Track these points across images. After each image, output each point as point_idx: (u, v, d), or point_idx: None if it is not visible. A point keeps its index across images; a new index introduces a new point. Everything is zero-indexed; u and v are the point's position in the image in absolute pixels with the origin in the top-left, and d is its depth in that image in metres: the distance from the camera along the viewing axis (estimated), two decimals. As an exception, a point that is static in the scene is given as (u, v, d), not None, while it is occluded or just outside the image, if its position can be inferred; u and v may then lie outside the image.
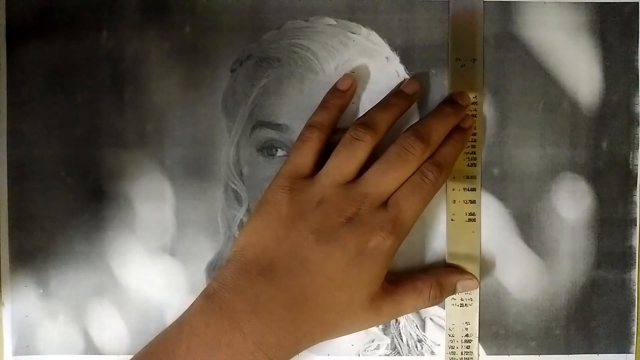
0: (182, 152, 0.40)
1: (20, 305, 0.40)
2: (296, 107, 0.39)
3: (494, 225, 0.40)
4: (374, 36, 0.40)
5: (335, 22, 0.40)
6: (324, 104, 0.38)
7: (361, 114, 0.39)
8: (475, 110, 0.40)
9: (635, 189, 0.40)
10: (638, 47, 0.40)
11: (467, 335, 0.40)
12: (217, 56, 0.39)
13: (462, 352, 0.40)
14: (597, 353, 0.40)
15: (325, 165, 0.37)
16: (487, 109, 0.40)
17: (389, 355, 0.40)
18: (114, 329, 0.40)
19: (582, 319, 0.40)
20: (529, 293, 0.40)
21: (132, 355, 0.39)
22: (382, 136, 0.37)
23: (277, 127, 0.39)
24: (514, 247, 0.40)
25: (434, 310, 0.40)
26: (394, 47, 0.40)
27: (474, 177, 0.40)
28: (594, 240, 0.40)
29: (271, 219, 0.36)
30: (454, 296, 0.40)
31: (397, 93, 0.39)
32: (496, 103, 0.40)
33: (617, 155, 0.40)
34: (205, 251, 0.40)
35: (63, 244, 0.40)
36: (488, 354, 0.40)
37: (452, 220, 0.40)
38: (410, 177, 0.36)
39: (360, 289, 0.35)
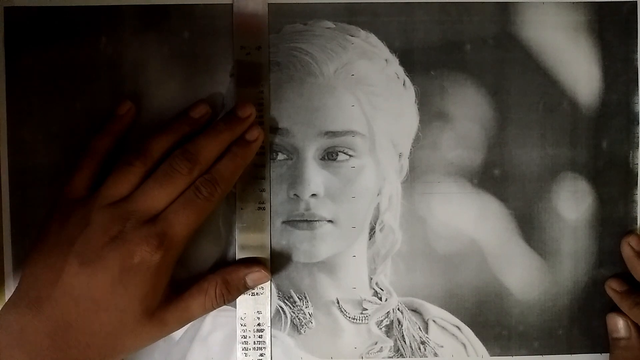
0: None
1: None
2: (296, 111, 0.39)
3: (495, 226, 0.40)
4: (373, 39, 0.40)
5: (334, 25, 0.40)
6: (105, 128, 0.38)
7: (361, 117, 0.39)
8: (262, 103, 0.39)
9: (636, 188, 0.40)
10: (637, 46, 0.40)
11: (259, 325, 0.40)
12: (216, 61, 0.39)
13: (254, 342, 0.40)
14: (600, 352, 0.40)
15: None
16: (487, 110, 0.40)
17: (392, 357, 0.40)
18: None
19: (584, 319, 0.40)
20: (531, 293, 0.40)
21: (138, 357, 0.39)
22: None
23: (277, 131, 0.39)
24: (516, 248, 0.40)
25: (437, 312, 0.40)
26: (393, 50, 0.40)
27: (262, 166, 0.39)
28: (595, 240, 0.40)
29: (44, 248, 0.35)
30: None
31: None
32: (496, 104, 0.40)
33: (617, 154, 0.40)
34: (208, 256, 0.40)
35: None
36: (491, 354, 0.40)
37: (241, 209, 0.39)
38: (184, 192, 0.35)
39: (132, 306, 0.34)
